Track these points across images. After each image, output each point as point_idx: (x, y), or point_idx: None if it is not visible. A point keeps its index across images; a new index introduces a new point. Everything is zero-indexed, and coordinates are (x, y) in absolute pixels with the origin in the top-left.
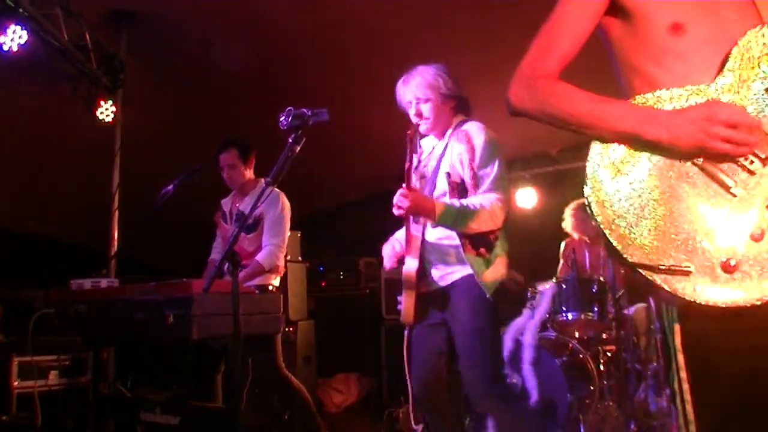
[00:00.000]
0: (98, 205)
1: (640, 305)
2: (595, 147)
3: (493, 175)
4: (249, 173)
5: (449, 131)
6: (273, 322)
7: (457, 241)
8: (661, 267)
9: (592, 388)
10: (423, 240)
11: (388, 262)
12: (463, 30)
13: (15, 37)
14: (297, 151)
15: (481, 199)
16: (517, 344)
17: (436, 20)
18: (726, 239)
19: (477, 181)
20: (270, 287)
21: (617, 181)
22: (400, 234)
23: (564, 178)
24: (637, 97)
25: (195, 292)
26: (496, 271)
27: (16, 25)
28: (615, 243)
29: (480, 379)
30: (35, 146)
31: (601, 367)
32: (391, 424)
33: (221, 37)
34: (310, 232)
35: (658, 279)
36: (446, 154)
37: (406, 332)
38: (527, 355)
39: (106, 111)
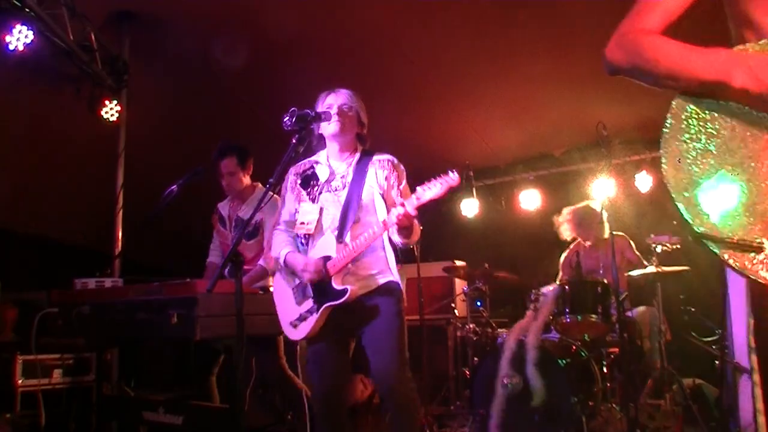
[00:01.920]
0: (101, 206)
1: (643, 308)
2: (679, 99)
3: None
4: (247, 179)
5: (356, 156)
6: (276, 323)
7: (376, 254)
8: (730, 240)
9: (595, 390)
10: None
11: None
12: (463, 32)
13: (21, 37)
14: (300, 151)
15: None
16: (520, 345)
17: (437, 21)
18: None
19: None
20: (271, 288)
21: (695, 141)
22: (288, 249)
23: (568, 180)
24: (747, 44)
25: (199, 292)
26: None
27: (22, 25)
28: (683, 209)
29: (397, 370)
30: (39, 148)
31: (605, 370)
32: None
33: (224, 38)
34: None
35: (725, 254)
36: (368, 176)
37: (308, 348)
38: (531, 356)
39: (110, 111)
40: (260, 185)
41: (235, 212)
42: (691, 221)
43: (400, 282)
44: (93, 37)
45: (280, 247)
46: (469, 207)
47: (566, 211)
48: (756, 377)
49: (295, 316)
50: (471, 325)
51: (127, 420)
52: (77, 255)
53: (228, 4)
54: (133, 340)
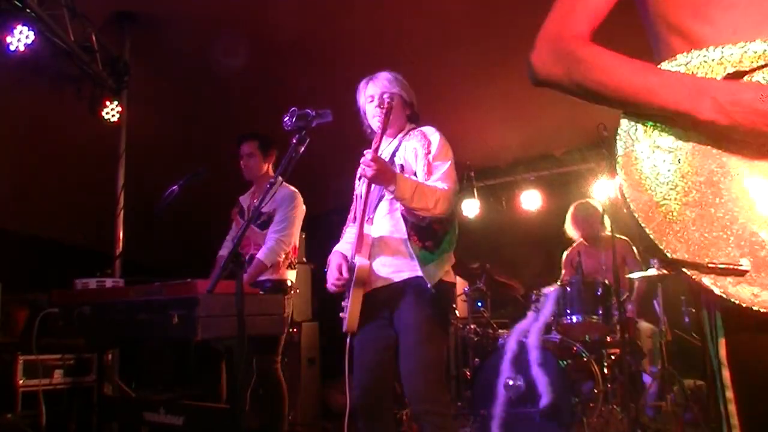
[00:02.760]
0: (102, 206)
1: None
2: (627, 119)
3: (446, 169)
4: (267, 167)
5: (401, 135)
6: (277, 323)
7: (405, 236)
8: (709, 265)
9: (596, 391)
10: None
11: (334, 285)
12: (464, 32)
13: (21, 38)
14: (301, 151)
15: (435, 183)
16: (521, 346)
17: (434, 21)
18: None
19: (430, 169)
20: (288, 282)
21: (656, 160)
22: (341, 247)
23: (569, 181)
24: (678, 56)
25: (200, 292)
26: (440, 267)
27: (23, 25)
28: (652, 236)
29: (423, 383)
30: (39, 148)
31: (605, 370)
32: (395, 425)
33: (224, 38)
34: (314, 234)
35: (706, 280)
36: (399, 151)
37: (348, 340)
38: (534, 356)
39: (111, 111)
40: (280, 178)
41: (254, 202)
42: (661, 246)
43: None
44: (94, 37)
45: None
46: (470, 207)
47: (571, 207)
48: (729, 394)
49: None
50: (472, 326)
51: (127, 420)
52: (78, 255)
53: (229, 4)
54: (133, 341)
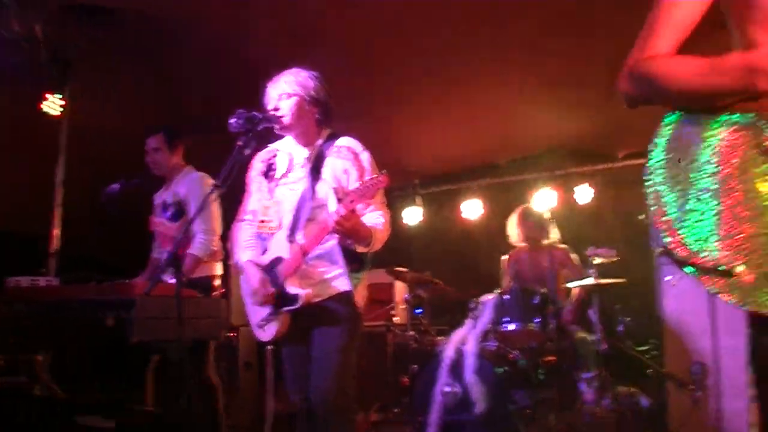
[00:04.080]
0: (41, 201)
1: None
2: (667, 123)
3: (380, 196)
4: (175, 159)
5: (319, 142)
6: (214, 327)
7: (333, 256)
8: (710, 266)
9: (532, 398)
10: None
11: (262, 303)
12: (415, 40)
13: None
14: (246, 154)
15: (376, 219)
16: (459, 354)
17: (387, 28)
18: None
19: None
20: (214, 278)
21: (680, 163)
22: (249, 255)
23: (511, 190)
24: None
25: (137, 294)
26: (360, 286)
27: None
28: (665, 234)
29: (335, 393)
30: None
31: (542, 378)
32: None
33: (175, 33)
34: None
35: (705, 279)
36: (325, 168)
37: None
38: (470, 363)
39: (53, 105)
40: (191, 166)
41: (161, 196)
42: (671, 245)
43: (353, 290)
44: (39, 29)
45: (241, 248)
46: (412, 215)
47: (515, 212)
48: (751, 392)
49: (260, 318)
50: (411, 333)
51: (58, 423)
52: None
53: None
54: (67, 342)
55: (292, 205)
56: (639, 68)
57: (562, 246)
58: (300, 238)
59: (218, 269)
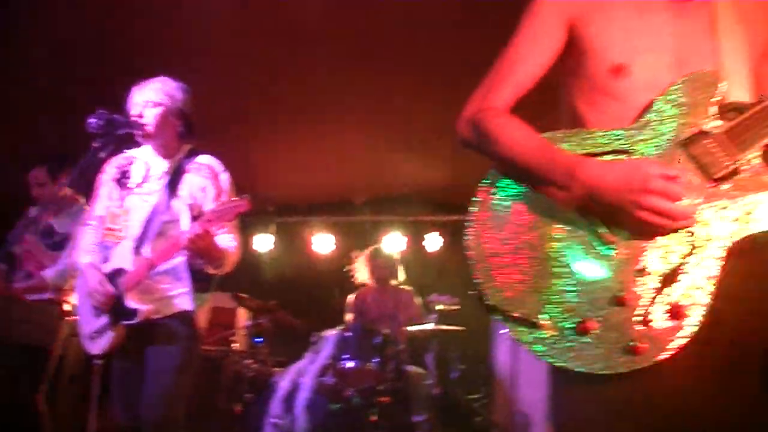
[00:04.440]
0: None
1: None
2: (491, 177)
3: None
4: (65, 190)
5: (179, 156)
6: (44, 333)
7: (178, 274)
8: (515, 315)
9: None
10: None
11: (96, 300)
12: (285, 69)
13: None
14: (103, 158)
15: (229, 242)
16: (295, 386)
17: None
18: (589, 298)
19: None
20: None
21: (500, 216)
22: (90, 257)
23: (365, 230)
24: (559, 133)
25: None
26: (205, 310)
27: None
28: (480, 281)
29: (165, 415)
30: None
31: (375, 418)
32: None
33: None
34: None
35: (510, 327)
36: (184, 184)
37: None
38: (302, 397)
39: None
40: (82, 200)
41: (47, 219)
42: (483, 291)
43: (195, 310)
44: None
45: (83, 251)
46: (265, 242)
47: (364, 253)
48: None
49: (93, 328)
50: (249, 361)
51: None
52: None
53: None
54: None
55: (142, 216)
56: (479, 118)
57: (408, 288)
58: (147, 251)
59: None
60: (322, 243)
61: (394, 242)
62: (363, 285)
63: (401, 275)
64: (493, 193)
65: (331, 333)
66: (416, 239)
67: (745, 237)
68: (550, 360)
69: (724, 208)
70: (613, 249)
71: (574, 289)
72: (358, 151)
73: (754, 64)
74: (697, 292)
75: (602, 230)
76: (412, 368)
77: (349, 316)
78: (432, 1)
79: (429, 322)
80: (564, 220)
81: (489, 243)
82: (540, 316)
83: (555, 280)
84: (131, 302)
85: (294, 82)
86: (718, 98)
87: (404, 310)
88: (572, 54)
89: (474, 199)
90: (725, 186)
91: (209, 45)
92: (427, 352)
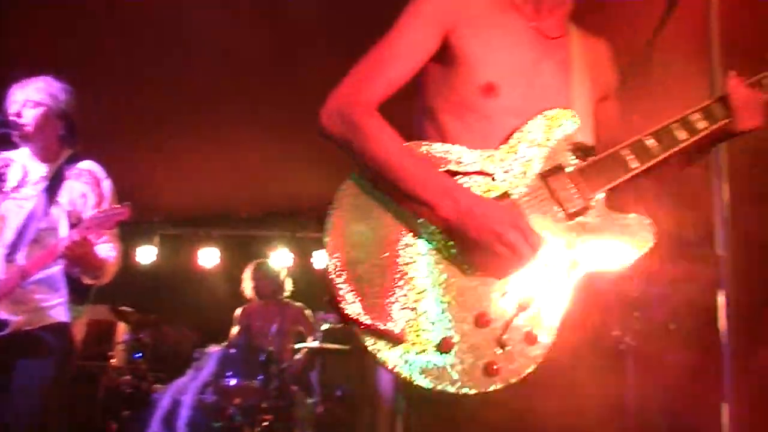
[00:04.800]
0: None
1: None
2: (356, 180)
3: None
4: None
5: (59, 161)
6: None
7: (53, 285)
8: (377, 329)
9: None
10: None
11: None
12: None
13: None
14: None
15: (108, 252)
16: (175, 404)
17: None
18: (452, 317)
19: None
20: None
21: (363, 225)
22: None
23: (251, 243)
24: (423, 144)
25: None
26: (81, 322)
27: None
28: (340, 292)
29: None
30: None
31: None
32: None
33: None
34: None
35: (369, 341)
36: (64, 191)
37: None
38: (183, 415)
39: None
40: None
41: None
42: (342, 303)
43: (71, 322)
44: None
45: None
46: (148, 253)
47: (250, 266)
48: None
49: None
50: (127, 377)
51: None
52: None
53: None
54: None
55: (17, 222)
56: (350, 112)
57: (298, 304)
58: (21, 258)
59: None
60: (208, 256)
61: (281, 258)
62: (250, 300)
63: (288, 290)
64: (355, 199)
65: (215, 349)
66: (304, 256)
67: (586, 272)
68: (407, 376)
69: (574, 242)
70: (475, 271)
71: (437, 306)
72: (248, 164)
73: (594, 106)
74: (548, 318)
75: (465, 252)
76: (296, 386)
77: (234, 330)
78: (314, 22)
79: (315, 340)
80: (429, 236)
81: (349, 251)
82: (400, 332)
83: (418, 295)
84: (1, 312)
85: (185, 92)
86: (573, 136)
87: (293, 325)
88: (443, 63)
89: (333, 204)
90: (577, 221)
91: (97, 48)
92: (311, 370)
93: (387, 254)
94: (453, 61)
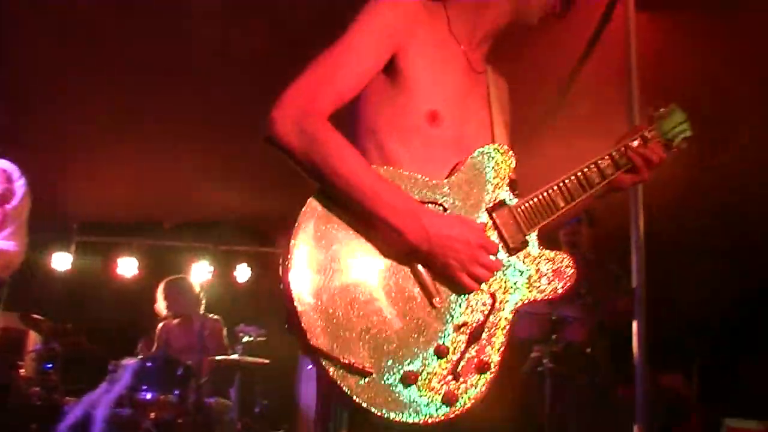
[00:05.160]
0: None
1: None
2: (320, 203)
3: (20, 226)
4: None
5: None
6: None
7: None
8: (342, 360)
9: None
10: None
11: None
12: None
13: None
14: None
15: (7, 244)
16: (87, 418)
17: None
18: (414, 348)
19: (4, 222)
20: None
21: (328, 251)
22: None
23: (172, 254)
24: (373, 166)
25: None
26: None
27: None
28: (302, 321)
29: None
30: None
31: None
32: None
33: None
34: None
35: (334, 373)
36: None
37: None
38: (96, 429)
39: None
40: None
41: None
42: (307, 332)
43: None
44: None
45: None
46: (63, 260)
47: (163, 283)
48: None
49: None
50: (36, 388)
51: None
52: None
53: None
54: None
55: None
56: (311, 123)
57: (215, 318)
58: None
59: None
60: (126, 266)
61: (202, 270)
62: (166, 317)
63: (203, 305)
64: (318, 222)
65: (131, 362)
66: (226, 269)
67: (523, 303)
68: (370, 407)
69: (515, 275)
70: (436, 300)
71: (401, 337)
72: (170, 173)
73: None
74: (495, 346)
75: (427, 280)
76: (215, 401)
77: (153, 344)
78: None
79: (234, 353)
80: (394, 263)
81: (313, 277)
82: (366, 364)
83: (382, 326)
84: None
85: (109, 99)
86: (510, 173)
87: (211, 340)
88: (388, 83)
89: (298, 227)
90: (518, 255)
91: (16, 52)
92: (231, 384)
93: (352, 282)
94: (399, 83)
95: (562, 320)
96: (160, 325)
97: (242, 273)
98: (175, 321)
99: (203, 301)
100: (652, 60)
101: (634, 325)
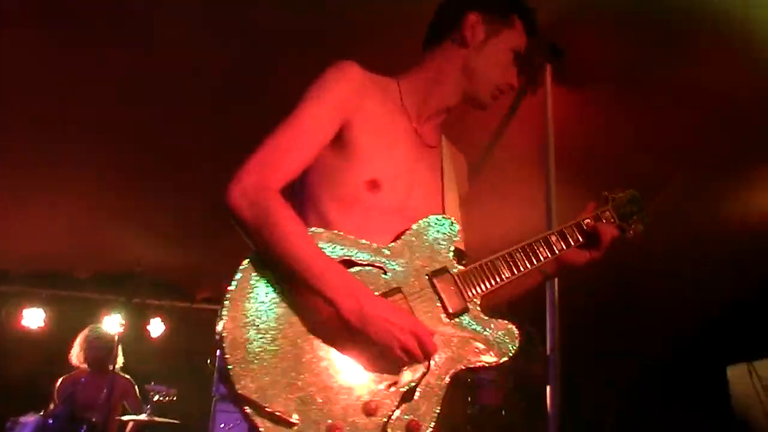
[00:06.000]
0: None
1: None
2: (257, 261)
3: None
4: None
5: None
6: None
7: None
8: (267, 409)
9: None
10: None
11: None
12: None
13: None
14: None
15: None
16: None
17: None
18: (341, 404)
19: None
20: None
21: (260, 306)
22: None
23: (82, 306)
24: (315, 230)
25: None
26: None
27: None
28: (231, 368)
29: None
30: None
31: None
32: None
33: None
34: None
35: (259, 421)
36: None
37: None
38: None
39: None
40: None
41: None
42: (234, 380)
43: None
44: None
45: None
46: None
47: (83, 332)
48: None
49: None
50: None
51: None
52: None
53: None
54: None
55: None
56: (263, 198)
57: (126, 376)
58: None
59: None
60: (32, 317)
61: (114, 323)
62: (77, 367)
63: (120, 360)
64: (253, 279)
65: (30, 419)
66: (139, 323)
67: (461, 369)
68: None
69: (452, 340)
70: (366, 362)
71: (328, 392)
72: (84, 223)
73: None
74: (427, 408)
75: (359, 344)
76: None
77: (54, 400)
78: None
79: (143, 413)
80: (324, 325)
81: (245, 330)
82: (292, 415)
83: (310, 380)
84: None
85: (19, 148)
86: (454, 242)
87: (121, 398)
88: (332, 153)
89: (233, 281)
90: (455, 320)
91: None
92: None
93: (282, 337)
94: (344, 153)
95: (479, 382)
96: (61, 379)
97: (156, 327)
98: (85, 373)
99: (119, 356)
100: (568, 130)
101: (548, 390)
